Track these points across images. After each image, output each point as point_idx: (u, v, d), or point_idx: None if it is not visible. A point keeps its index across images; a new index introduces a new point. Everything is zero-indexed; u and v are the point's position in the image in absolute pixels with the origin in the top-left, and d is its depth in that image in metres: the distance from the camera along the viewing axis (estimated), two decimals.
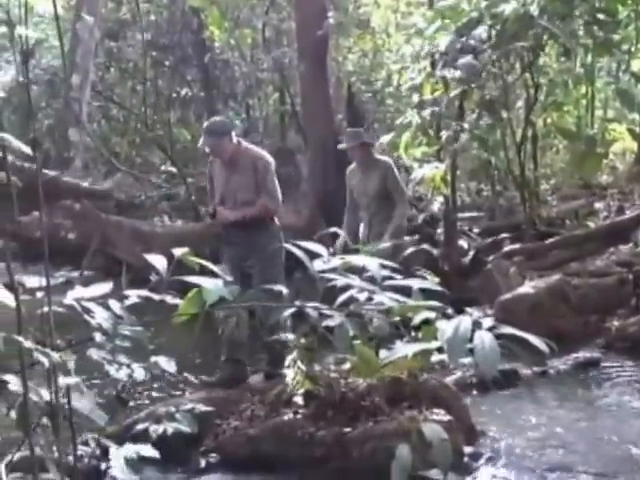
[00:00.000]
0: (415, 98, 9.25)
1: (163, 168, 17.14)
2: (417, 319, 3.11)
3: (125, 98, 17.11)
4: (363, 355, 3.70)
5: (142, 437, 3.83)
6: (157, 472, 4.49)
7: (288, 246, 3.10)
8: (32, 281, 6.16)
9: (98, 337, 2.49)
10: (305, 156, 12.17)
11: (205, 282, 2.76)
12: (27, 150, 2.10)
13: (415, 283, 3.34)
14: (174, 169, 16.17)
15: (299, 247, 3.03)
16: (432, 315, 3.09)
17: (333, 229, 6.26)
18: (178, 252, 2.71)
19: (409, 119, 8.48)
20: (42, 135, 12.37)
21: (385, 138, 8.97)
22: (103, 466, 4.55)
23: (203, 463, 4.55)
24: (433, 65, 8.57)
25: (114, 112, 17.33)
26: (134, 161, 16.39)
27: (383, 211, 7.23)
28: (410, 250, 7.43)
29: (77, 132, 11.22)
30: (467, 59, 7.42)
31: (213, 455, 4.58)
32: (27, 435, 2.55)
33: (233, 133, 5.83)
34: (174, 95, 16.93)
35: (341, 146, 7.58)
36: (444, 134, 8.45)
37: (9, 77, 12.97)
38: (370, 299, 3.49)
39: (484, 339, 2.42)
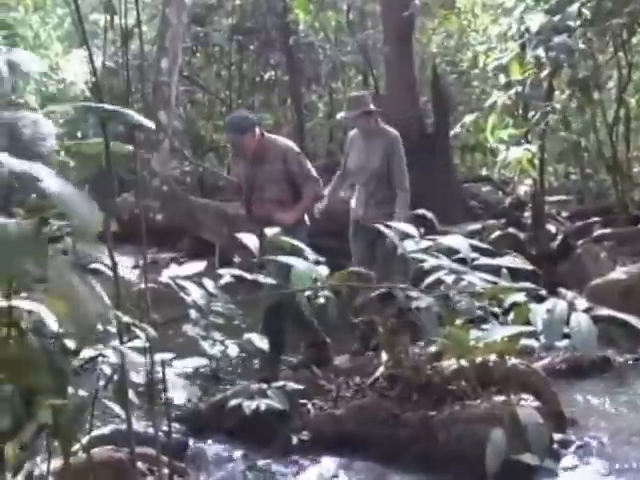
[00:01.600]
0: (502, 79, 9.07)
1: None
2: (508, 301, 3.04)
3: (210, 82, 17.33)
4: (455, 336, 3.65)
5: (236, 412, 3.91)
6: (248, 447, 4.59)
7: (377, 226, 3.08)
8: (122, 261, 6.31)
9: (193, 314, 2.54)
10: None
11: (296, 262, 2.77)
12: (148, 123, 2.15)
13: (505, 262, 3.27)
14: None
15: (389, 227, 3.00)
16: (522, 297, 3.02)
17: (420, 211, 6.13)
18: (270, 232, 2.74)
19: (495, 100, 8.30)
20: None
21: (469, 117, 8.81)
22: (190, 441, 4.68)
23: (294, 440, 4.57)
24: (523, 45, 8.37)
25: (199, 96, 17.60)
26: (218, 144, 16.62)
27: (381, 192, 6.12)
28: (497, 234, 7.31)
29: (166, 115, 11.43)
30: (562, 38, 7.19)
31: (304, 433, 4.61)
32: (124, 409, 2.61)
33: (256, 129, 5.52)
34: (258, 79, 17.07)
35: (341, 115, 6.52)
36: (533, 115, 8.26)
37: (99, 63, 13.30)
38: (459, 280, 3.45)
39: (581, 321, 2.36)
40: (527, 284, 3.05)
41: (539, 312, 2.49)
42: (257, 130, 5.53)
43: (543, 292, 2.92)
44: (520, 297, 3.00)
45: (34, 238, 1.90)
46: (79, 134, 15.22)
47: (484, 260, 3.18)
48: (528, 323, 2.75)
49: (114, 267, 2.43)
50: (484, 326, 4.21)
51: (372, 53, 14.06)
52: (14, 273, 2.06)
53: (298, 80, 15.11)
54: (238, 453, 4.60)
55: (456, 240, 3.27)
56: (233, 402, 2.95)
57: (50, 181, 1.92)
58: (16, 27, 12.32)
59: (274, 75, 16.72)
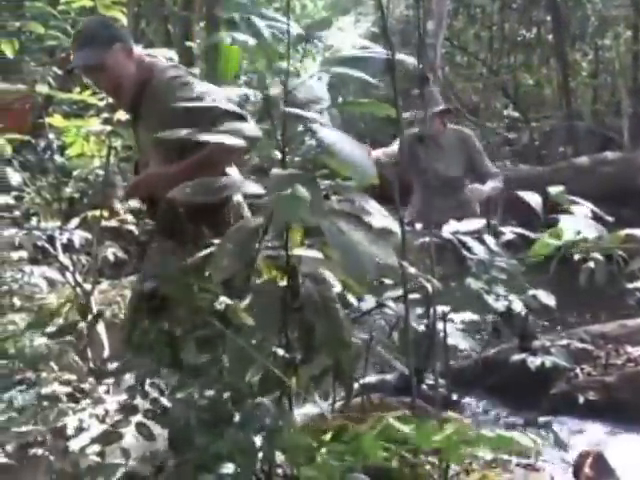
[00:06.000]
0: None
1: (505, 113, 17.03)
2: None
3: (469, 43, 17.17)
4: None
5: (500, 369, 3.96)
6: (511, 406, 4.62)
7: None
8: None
9: (475, 268, 2.61)
10: None
11: (567, 219, 2.74)
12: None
13: None
14: (516, 114, 15.99)
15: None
16: None
17: None
18: (553, 190, 2.72)
19: None
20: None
21: None
22: (454, 397, 4.78)
23: (556, 404, 4.53)
24: None
25: (458, 58, 17.50)
26: (477, 106, 16.47)
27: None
28: None
29: (431, 77, 11.53)
30: None
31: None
32: (407, 358, 2.73)
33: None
34: (519, 39, 16.61)
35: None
36: None
37: (363, 30, 13.72)
38: None
39: None
40: None
41: None
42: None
43: None
44: None
45: (312, 187, 2.07)
46: (339, 99, 15.82)
47: None
48: None
49: (400, 222, 2.54)
50: None
51: None
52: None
53: (563, 38, 14.49)
54: (500, 411, 4.66)
55: None
56: (516, 357, 2.98)
57: (326, 133, 2.09)
58: None
59: (537, 34, 16.16)
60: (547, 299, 2.50)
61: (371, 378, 4.63)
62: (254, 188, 2.22)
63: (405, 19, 14.20)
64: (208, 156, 2.71)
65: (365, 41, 2.66)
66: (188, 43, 3.50)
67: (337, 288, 2.53)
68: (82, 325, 4.19)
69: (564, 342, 3.01)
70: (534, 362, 2.78)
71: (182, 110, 2.58)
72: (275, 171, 2.09)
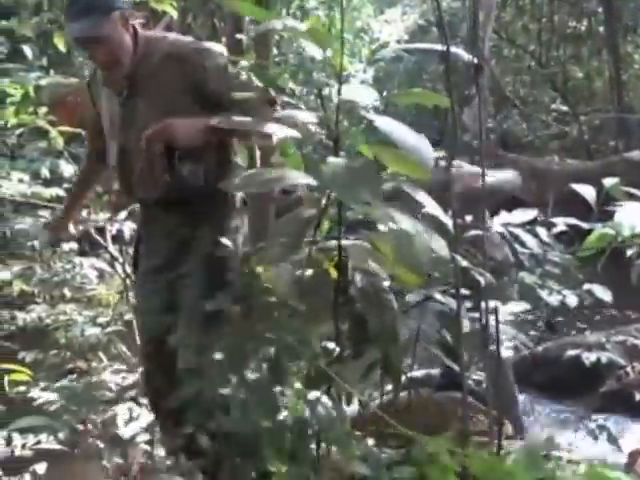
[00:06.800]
0: None
1: (553, 106, 16.77)
2: None
3: (516, 36, 16.94)
4: None
5: (568, 364, 3.90)
6: (559, 401, 4.58)
7: None
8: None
9: (527, 262, 2.55)
10: None
11: (623, 212, 2.67)
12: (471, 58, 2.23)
13: None
14: (565, 107, 15.73)
15: None
16: None
17: None
18: (608, 182, 2.66)
19: None
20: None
21: None
22: None
23: (606, 402, 4.48)
24: None
25: (505, 51, 17.26)
26: (525, 100, 16.25)
27: None
28: None
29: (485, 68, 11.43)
30: None
31: (617, 395, 4.49)
32: (457, 353, 2.67)
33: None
34: (568, 31, 16.33)
35: None
36: None
37: (411, 21, 13.64)
38: None
39: None
40: None
41: None
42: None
43: None
44: None
45: (371, 172, 2.05)
46: (384, 93, 15.76)
47: None
48: None
49: (454, 215, 2.50)
50: None
51: None
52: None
53: (615, 29, 14.21)
54: (549, 407, 4.62)
55: None
56: (570, 352, 2.92)
57: (382, 121, 2.06)
58: None
59: (587, 26, 15.86)
60: (603, 294, 2.44)
61: (417, 373, 4.61)
62: (305, 179, 2.20)
63: (452, 11, 14.05)
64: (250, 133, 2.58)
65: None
66: (238, 35, 3.48)
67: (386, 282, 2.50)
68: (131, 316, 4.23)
69: (618, 339, 2.94)
70: (589, 358, 2.71)
71: (217, 89, 2.60)
72: (331, 160, 2.05)
